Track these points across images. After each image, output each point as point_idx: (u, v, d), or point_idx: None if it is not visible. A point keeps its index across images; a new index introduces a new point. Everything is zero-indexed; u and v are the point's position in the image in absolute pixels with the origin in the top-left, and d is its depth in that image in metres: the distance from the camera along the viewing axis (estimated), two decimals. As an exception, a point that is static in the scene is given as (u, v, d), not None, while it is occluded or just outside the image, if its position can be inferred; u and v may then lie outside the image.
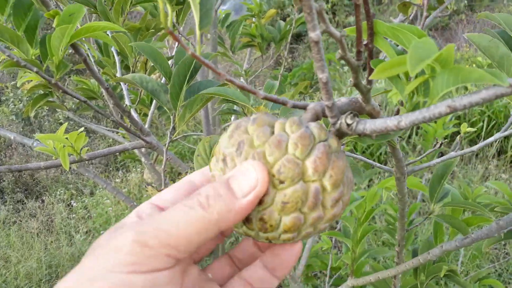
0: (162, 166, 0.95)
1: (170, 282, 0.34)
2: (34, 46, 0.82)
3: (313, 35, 0.32)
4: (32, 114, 1.40)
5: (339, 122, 0.39)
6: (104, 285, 0.31)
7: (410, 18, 1.65)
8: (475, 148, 0.82)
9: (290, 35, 2.17)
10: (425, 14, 0.74)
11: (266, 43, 2.20)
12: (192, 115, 0.93)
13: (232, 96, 0.71)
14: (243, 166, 0.36)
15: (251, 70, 2.16)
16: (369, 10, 0.37)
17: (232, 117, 1.81)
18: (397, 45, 0.55)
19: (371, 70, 0.40)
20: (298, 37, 6.16)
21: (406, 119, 0.35)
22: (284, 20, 2.30)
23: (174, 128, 0.88)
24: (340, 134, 0.41)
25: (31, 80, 1.45)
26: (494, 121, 4.17)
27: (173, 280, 0.35)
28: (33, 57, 0.81)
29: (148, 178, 3.21)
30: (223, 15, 2.20)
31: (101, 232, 3.26)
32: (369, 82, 0.41)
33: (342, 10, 6.24)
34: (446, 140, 4.01)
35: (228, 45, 2.15)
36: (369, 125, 0.38)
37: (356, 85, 0.40)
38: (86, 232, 3.30)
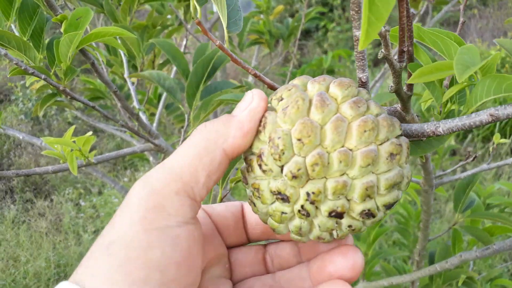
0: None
1: (194, 243, 0.32)
2: (40, 51, 0.80)
3: (358, 33, 0.31)
4: (41, 114, 1.39)
5: None
6: (118, 249, 0.29)
7: (421, 13, 1.62)
8: (509, 161, 0.79)
9: (300, 31, 2.15)
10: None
11: (274, 39, 2.18)
12: (207, 115, 0.92)
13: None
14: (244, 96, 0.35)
15: (260, 67, 2.13)
16: (409, 9, 0.35)
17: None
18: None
19: (401, 55, 0.37)
20: (307, 33, 6.12)
21: (444, 125, 0.34)
22: (293, 16, 2.27)
23: (188, 127, 0.87)
24: None
25: (40, 80, 1.44)
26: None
27: (196, 241, 0.32)
28: (40, 61, 0.79)
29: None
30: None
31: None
32: (410, 88, 0.38)
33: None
34: (458, 137, 3.95)
35: (236, 43, 2.13)
36: (404, 128, 0.36)
37: (397, 91, 0.38)
38: (94, 231, 3.30)
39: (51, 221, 3.39)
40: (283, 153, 0.31)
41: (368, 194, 0.31)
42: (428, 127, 0.35)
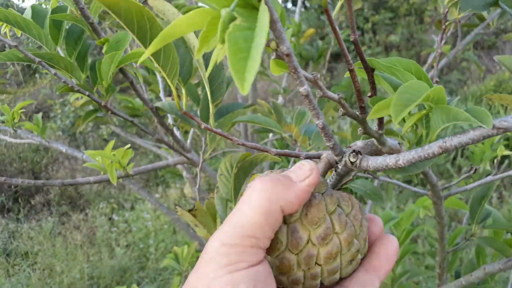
0: (197, 186, 0.99)
1: (269, 275, 0.38)
2: (84, 71, 0.88)
3: (302, 89, 0.35)
4: (81, 128, 1.48)
5: (343, 160, 0.42)
6: None
7: (448, 35, 1.63)
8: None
9: (329, 53, 2.19)
10: (439, 51, 0.77)
11: (304, 61, 2.23)
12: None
13: (264, 122, 0.80)
14: (298, 163, 0.40)
15: (289, 89, 2.18)
16: (362, 52, 0.40)
17: (270, 135, 1.84)
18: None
19: (362, 109, 0.42)
20: (337, 56, 6.16)
21: (403, 158, 0.38)
22: (323, 39, 2.32)
23: (206, 148, 0.92)
24: (347, 171, 0.43)
25: (82, 97, 1.55)
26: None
27: (270, 274, 0.38)
28: (84, 81, 0.87)
29: (188, 193, 3.27)
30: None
31: (140, 246, 3.33)
32: (380, 127, 0.42)
33: (383, 29, 6.20)
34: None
35: (267, 64, 2.19)
36: (371, 162, 0.40)
37: (367, 133, 0.42)
38: (126, 245, 3.38)
39: (85, 234, 3.49)
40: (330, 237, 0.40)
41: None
42: (390, 160, 0.39)
